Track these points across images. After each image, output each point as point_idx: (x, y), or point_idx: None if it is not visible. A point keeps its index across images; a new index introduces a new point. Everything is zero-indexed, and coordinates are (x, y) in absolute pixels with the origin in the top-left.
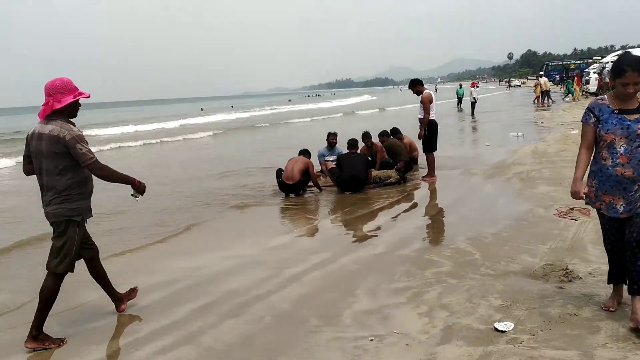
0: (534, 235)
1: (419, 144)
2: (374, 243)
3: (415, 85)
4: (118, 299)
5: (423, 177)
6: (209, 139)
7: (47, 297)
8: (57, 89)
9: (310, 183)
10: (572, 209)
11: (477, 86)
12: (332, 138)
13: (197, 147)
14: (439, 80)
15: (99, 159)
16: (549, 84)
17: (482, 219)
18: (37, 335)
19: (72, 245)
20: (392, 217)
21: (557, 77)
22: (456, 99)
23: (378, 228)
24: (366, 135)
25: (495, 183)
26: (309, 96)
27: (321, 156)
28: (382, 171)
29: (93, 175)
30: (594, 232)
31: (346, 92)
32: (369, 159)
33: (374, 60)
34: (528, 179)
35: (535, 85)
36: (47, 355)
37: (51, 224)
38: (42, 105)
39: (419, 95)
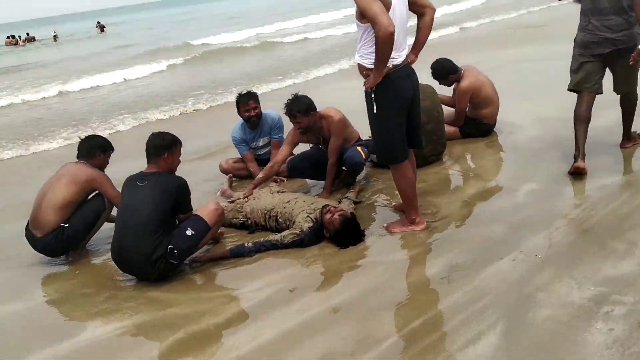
0: None
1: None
2: None
3: None
4: (627, 138)
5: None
6: None
7: None
8: None
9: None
10: None
11: None
12: (245, 106)
13: None
14: None
15: None
16: None
17: None
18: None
19: None
20: None
21: None
22: None
23: None
24: (294, 109)
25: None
26: None
27: (240, 144)
28: (298, 197)
29: None
30: None
31: None
32: (183, 184)
33: None
34: None
35: None
36: None
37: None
38: None
39: None
